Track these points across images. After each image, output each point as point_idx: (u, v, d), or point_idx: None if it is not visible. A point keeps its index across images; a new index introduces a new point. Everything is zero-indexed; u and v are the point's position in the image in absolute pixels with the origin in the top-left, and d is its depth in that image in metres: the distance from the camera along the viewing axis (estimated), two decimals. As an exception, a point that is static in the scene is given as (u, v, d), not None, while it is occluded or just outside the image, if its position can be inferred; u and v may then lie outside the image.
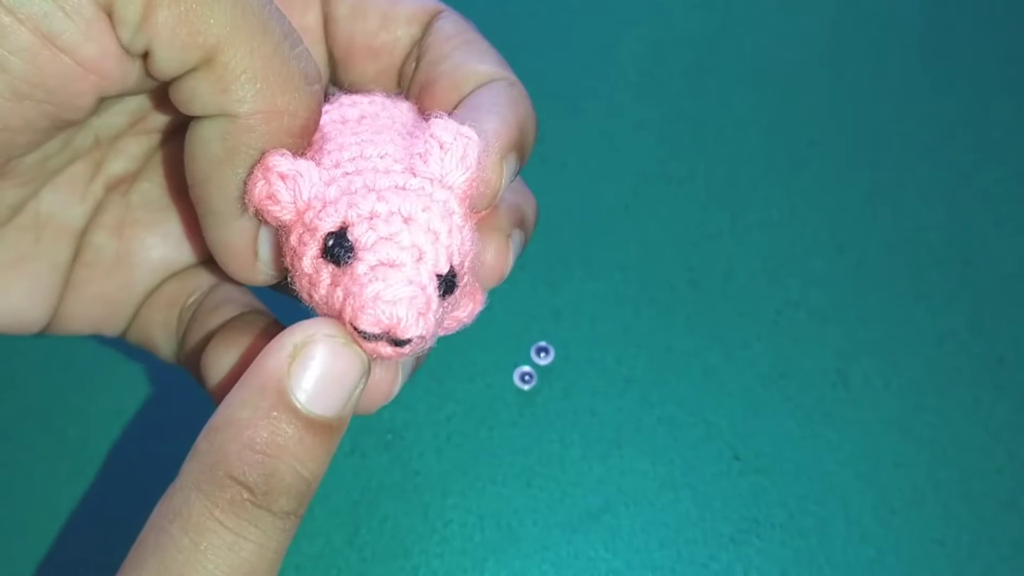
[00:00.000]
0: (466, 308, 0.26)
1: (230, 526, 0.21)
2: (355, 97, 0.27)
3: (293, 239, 0.23)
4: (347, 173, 0.24)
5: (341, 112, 0.27)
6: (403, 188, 0.23)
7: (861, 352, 0.38)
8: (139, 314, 0.28)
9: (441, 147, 0.23)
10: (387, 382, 0.26)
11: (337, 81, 0.30)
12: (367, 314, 0.22)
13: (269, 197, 0.23)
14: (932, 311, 0.39)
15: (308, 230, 0.23)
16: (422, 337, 0.22)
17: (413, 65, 0.29)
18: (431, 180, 0.24)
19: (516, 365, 0.38)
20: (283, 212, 0.23)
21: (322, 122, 0.26)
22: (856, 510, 0.34)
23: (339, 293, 0.22)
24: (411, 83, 0.30)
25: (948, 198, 0.42)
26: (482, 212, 0.26)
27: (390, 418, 0.37)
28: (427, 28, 0.29)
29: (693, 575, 0.33)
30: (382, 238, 0.22)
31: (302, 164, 0.23)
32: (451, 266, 0.23)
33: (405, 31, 0.29)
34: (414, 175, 0.24)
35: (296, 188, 0.23)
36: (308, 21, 0.28)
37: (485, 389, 0.38)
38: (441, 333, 0.25)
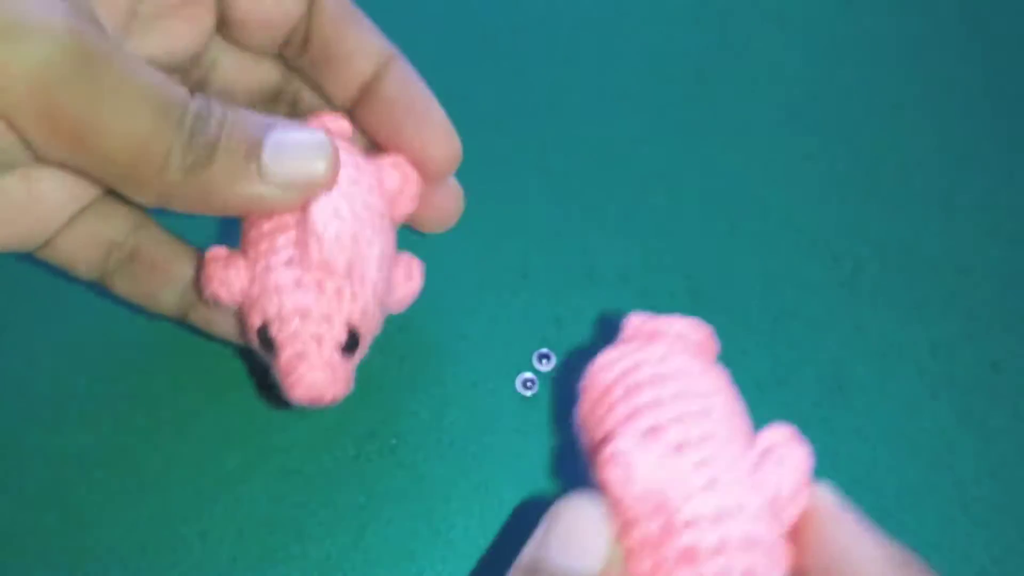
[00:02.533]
0: (406, 288, 0.33)
1: None
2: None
3: (244, 320, 0.30)
4: (263, 269, 0.29)
5: None
6: (299, 283, 0.29)
7: (856, 359, 0.38)
8: (55, 243, 0.31)
9: (319, 240, 0.28)
10: (453, 200, 0.36)
11: (229, 39, 0.33)
12: (295, 397, 0.29)
13: (214, 296, 0.30)
14: (926, 320, 0.39)
15: (247, 318, 0.30)
16: (340, 393, 0.30)
17: (299, 33, 0.33)
18: (318, 269, 0.29)
19: (518, 371, 0.38)
20: (230, 302, 0.30)
21: None
22: (852, 514, 0.34)
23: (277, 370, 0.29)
24: (303, 55, 0.33)
25: (943, 208, 0.42)
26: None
27: (394, 423, 0.37)
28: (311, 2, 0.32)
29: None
30: (288, 336, 0.29)
31: (231, 271, 0.29)
32: (350, 330, 0.29)
33: (295, 5, 0.32)
34: (304, 269, 0.29)
35: (229, 289, 0.30)
36: None
37: (487, 395, 0.37)
38: (397, 310, 0.33)
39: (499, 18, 0.49)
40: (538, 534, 0.23)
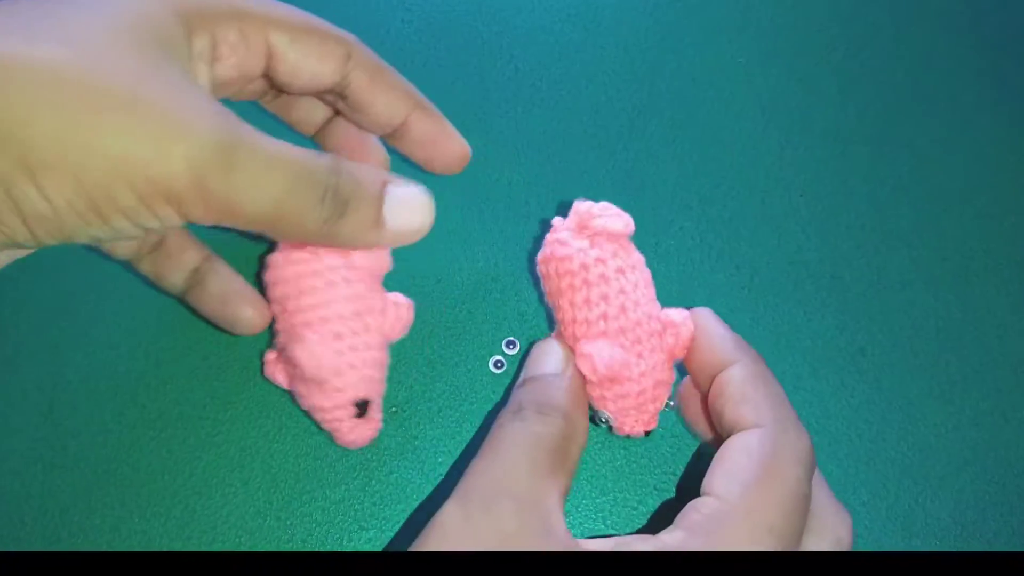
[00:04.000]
0: (403, 323, 0.38)
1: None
2: (294, 255, 0.35)
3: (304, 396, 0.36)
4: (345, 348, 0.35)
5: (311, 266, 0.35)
6: (303, 396, 0.36)
7: (852, 386, 0.41)
8: None
9: (397, 319, 0.36)
10: (461, 148, 0.38)
11: (275, 85, 0.35)
12: (342, 445, 0.37)
13: (273, 381, 0.38)
14: (916, 352, 0.42)
15: (298, 396, 0.37)
16: (368, 437, 0.37)
17: (336, 90, 0.34)
18: (380, 336, 0.36)
19: (491, 355, 0.41)
20: (283, 386, 0.37)
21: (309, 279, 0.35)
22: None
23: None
24: (340, 102, 0.35)
25: (929, 245, 0.45)
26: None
27: (394, 395, 0.40)
28: (347, 59, 0.33)
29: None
30: (322, 420, 0.37)
31: (279, 376, 0.37)
32: (356, 404, 0.36)
33: (330, 75, 0.33)
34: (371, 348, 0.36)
35: (279, 382, 0.37)
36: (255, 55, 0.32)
37: (467, 373, 0.41)
38: (396, 339, 0.38)
39: (502, 28, 0.49)
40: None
